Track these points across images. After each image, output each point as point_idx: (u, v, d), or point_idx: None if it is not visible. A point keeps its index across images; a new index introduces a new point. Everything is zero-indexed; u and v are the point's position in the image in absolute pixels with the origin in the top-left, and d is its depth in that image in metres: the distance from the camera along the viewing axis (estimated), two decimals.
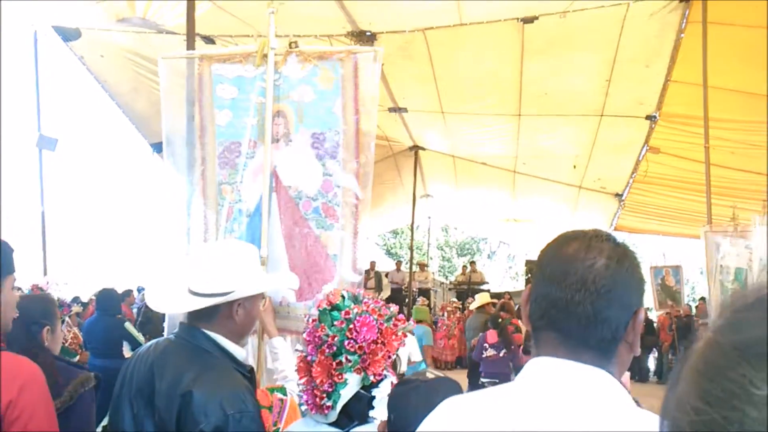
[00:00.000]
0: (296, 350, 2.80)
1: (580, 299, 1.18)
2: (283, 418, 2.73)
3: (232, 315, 2.23)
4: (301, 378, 2.24)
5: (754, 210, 6.64)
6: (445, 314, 16.17)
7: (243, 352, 2.31)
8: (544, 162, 13.30)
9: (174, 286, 2.35)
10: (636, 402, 1.25)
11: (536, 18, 8.21)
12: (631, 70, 9.29)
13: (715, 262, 7.03)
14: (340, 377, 2.14)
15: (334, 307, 2.20)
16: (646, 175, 12.00)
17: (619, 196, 14.13)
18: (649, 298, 14.61)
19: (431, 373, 2.03)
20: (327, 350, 2.16)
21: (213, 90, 3.76)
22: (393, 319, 2.23)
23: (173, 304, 2.43)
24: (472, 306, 12.30)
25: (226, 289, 2.22)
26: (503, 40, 8.85)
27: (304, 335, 2.25)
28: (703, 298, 15.24)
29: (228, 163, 3.75)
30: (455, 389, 1.90)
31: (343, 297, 2.23)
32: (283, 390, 2.87)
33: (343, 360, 2.15)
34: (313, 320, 2.20)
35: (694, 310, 15.72)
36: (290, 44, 3.63)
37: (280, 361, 3.10)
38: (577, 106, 10.55)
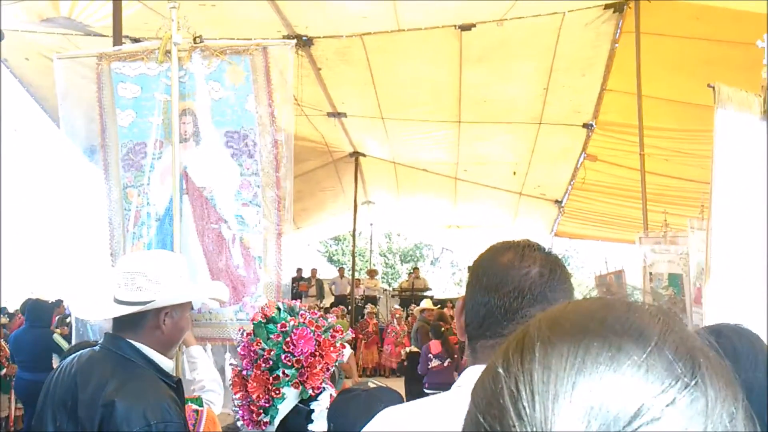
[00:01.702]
0: (231, 364, 2.72)
1: (517, 306, 1.21)
2: (200, 430, 2.66)
3: (159, 325, 2.19)
4: (236, 393, 2.17)
5: (688, 216, 6.79)
6: (395, 320, 16.23)
7: (170, 363, 2.26)
8: (485, 169, 13.41)
9: (99, 294, 2.31)
10: None
11: (474, 26, 8.26)
12: (567, 78, 9.44)
13: (645, 270, 7.17)
14: (277, 392, 2.08)
15: (270, 320, 2.13)
16: (584, 182, 12.22)
17: (558, 202, 14.33)
18: None
19: (372, 383, 2.01)
20: (263, 365, 2.10)
21: (114, 89, 3.59)
22: (331, 330, 2.18)
23: (96, 311, 2.38)
24: (415, 311, 12.40)
25: (147, 297, 2.18)
26: (441, 47, 8.87)
27: (239, 349, 2.18)
28: None
29: (133, 165, 3.59)
30: (396, 399, 1.87)
31: (278, 309, 2.16)
32: (199, 401, 2.80)
33: (281, 374, 2.09)
34: (248, 334, 2.14)
35: None
36: (194, 39, 3.49)
37: (198, 370, 3.03)
38: (515, 113, 10.66)
